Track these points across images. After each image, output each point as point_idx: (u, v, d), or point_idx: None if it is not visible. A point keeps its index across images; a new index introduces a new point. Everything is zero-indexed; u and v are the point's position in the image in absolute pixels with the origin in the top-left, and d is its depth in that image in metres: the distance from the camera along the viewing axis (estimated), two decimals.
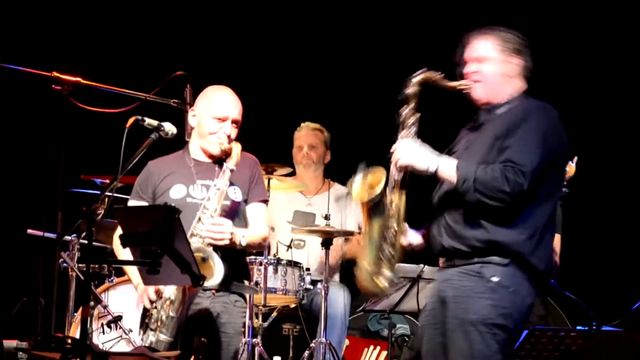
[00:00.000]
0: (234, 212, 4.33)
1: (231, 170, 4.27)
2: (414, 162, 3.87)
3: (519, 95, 3.95)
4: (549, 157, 3.80)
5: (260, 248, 5.11)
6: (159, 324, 4.08)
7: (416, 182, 3.97)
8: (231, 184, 4.31)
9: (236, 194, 4.36)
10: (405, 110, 3.94)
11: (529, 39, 4.00)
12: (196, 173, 4.36)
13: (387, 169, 3.94)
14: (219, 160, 4.38)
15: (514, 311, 3.80)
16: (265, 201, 4.52)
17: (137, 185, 4.42)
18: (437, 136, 4.08)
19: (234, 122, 4.38)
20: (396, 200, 3.92)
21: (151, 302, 4.13)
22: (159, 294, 4.12)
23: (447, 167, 3.85)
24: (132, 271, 4.25)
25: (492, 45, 3.94)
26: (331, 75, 7.25)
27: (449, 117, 4.18)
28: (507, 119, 3.87)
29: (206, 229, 4.16)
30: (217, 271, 4.07)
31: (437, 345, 3.91)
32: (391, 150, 3.92)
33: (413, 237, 4.06)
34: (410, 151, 3.88)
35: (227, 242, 4.19)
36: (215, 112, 4.36)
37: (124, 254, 3.98)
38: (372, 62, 7.13)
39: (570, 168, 5.11)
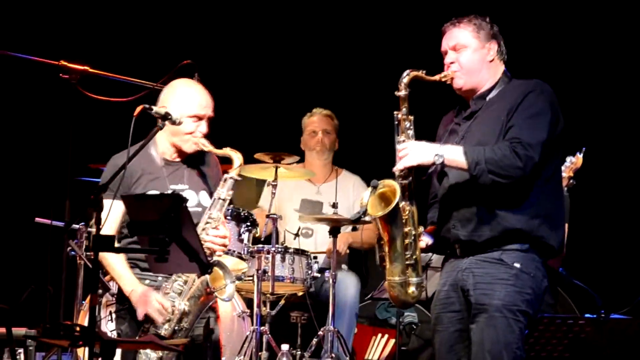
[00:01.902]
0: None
1: (235, 180, 4.23)
2: (419, 160, 3.85)
3: (503, 77, 3.98)
4: (552, 131, 3.82)
5: None
6: (173, 336, 4.05)
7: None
8: (206, 185, 4.31)
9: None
10: (399, 114, 3.94)
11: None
12: (167, 176, 4.26)
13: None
14: (188, 159, 4.31)
15: (534, 297, 3.84)
16: None
17: (111, 182, 3.88)
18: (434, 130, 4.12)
19: (208, 119, 4.28)
20: (408, 207, 3.90)
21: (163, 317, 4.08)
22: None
23: (454, 155, 3.83)
24: (125, 277, 4.14)
25: (467, 33, 3.97)
26: (338, 63, 7.23)
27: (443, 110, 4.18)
28: (505, 101, 3.88)
29: (210, 240, 4.15)
30: (229, 285, 4.08)
31: (453, 334, 3.93)
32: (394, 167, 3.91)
33: (427, 239, 4.04)
34: (412, 151, 3.86)
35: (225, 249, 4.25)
36: (192, 110, 4.23)
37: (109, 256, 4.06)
38: (380, 48, 7.11)
39: (578, 159, 5.09)
